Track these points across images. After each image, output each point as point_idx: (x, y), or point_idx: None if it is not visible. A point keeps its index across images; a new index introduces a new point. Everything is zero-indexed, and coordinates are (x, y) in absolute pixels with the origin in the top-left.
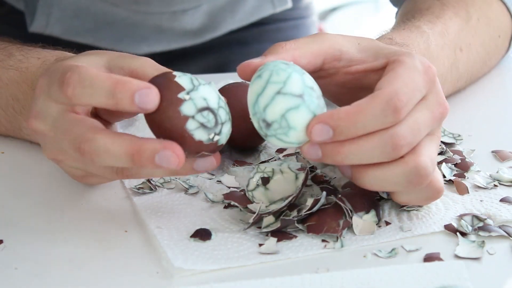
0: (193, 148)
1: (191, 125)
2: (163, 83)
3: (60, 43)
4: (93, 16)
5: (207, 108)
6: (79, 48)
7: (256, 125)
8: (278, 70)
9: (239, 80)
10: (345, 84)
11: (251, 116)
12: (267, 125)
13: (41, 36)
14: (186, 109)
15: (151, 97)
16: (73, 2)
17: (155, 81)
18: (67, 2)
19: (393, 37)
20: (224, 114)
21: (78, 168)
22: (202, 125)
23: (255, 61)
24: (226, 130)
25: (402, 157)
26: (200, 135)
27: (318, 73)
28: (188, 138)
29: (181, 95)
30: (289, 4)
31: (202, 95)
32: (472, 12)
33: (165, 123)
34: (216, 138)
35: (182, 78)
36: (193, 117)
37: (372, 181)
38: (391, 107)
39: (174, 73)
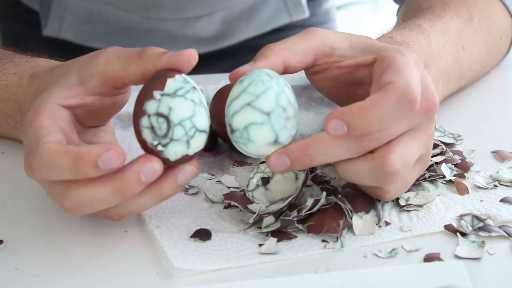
0: (140, 142)
1: (144, 122)
2: (156, 77)
3: (73, 47)
4: (105, 21)
5: (165, 117)
6: (92, 51)
7: (226, 125)
8: (257, 82)
9: None
10: (338, 78)
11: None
12: (231, 130)
13: (58, 39)
14: (149, 106)
15: (114, 159)
16: (86, 7)
17: (155, 74)
18: (79, 8)
19: (393, 36)
20: (181, 134)
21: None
22: (152, 128)
23: (245, 67)
24: (177, 149)
25: (372, 152)
26: (146, 135)
27: (311, 69)
28: (138, 131)
29: (156, 92)
30: (306, 14)
31: (170, 105)
32: (474, 13)
33: (134, 108)
34: (160, 148)
35: (174, 81)
36: (149, 116)
37: (343, 173)
38: (406, 99)
39: (177, 76)
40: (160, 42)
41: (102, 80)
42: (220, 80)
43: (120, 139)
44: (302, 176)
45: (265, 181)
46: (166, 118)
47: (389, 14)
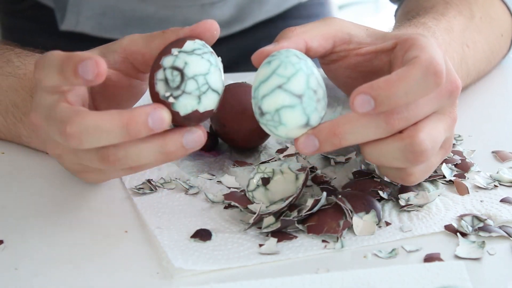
0: (153, 96)
1: (158, 75)
2: (176, 40)
3: (87, 39)
4: (121, 12)
5: (179, 70)
6: (102, 42)
7: (253, 107)
8: (287, 63)
9: (241, 80)
10: (356, 67)
11: (251, 98)
12: (261, 113)
13: (69, 32)
14: (166, 60)
15: (91, 67)
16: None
17: (176, 39)
18: (96, 0)
19: (400, 32)
20: (193, 88)
21: (75, 163)
22: (166, 80)
23: (268, 48)
24: (187, 103)
25: (401, 132)
26: (159, 88)
27: (329, 57)
28: (152, 85)
29: (174, 49)
30: None
31: (186, 60)
32: (475, 11)
33: (152, 66)
34: (171, 100)
35: (193, 43)
36: (164, 69)
37: (371, 155)
38: (432, 71)
39: (198, 40)
40: None
41: (124, 56)
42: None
43: None
44: (302, 177)
45: (265, 181)
46: (181, 71)
47: (389, 14)
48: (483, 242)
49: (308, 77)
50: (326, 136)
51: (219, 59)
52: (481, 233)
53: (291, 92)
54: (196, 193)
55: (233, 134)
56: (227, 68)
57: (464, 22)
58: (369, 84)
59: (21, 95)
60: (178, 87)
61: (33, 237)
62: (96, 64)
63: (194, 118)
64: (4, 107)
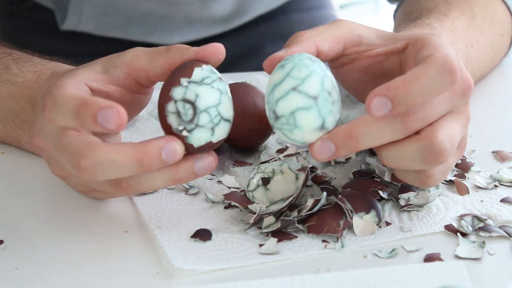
0: (165, 127)
1: (170, 107)
2: (183, 66)
3: (91, 38)
4: (123, 11)
5: (191, 103)
6: (110, 42)
7: (267, 113)
8: (301, 66)
9: (241, 80)
10: (367, 69)
11: (265, 103)
12: (275, 117)
13: (68, 32)
14: (176, 92)
15: (112, 117)
16: None
17: (182, 64)
18: None
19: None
20: (206, 121)
21: (82, 184)
22: (178, 114)
23: (280, 53)
24: (201, 136)
25: (418, 133)
26: (172, 121)
27: (340, 60)
28: (164, 117)
29: (183, 79)
30: None
31: (197, 91)
32: (477, 11)
33: (160, 95)
34: (185, 133)
35: (201, 71)
36: (175, 101)
37: (389, 158)
38: (447, 68)
39: (204, 66)
40: (176, 27)
41: (127, 72)
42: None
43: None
44: (302, 176)
45: (266, 181)
46: (193, 104)
47: (389, 14)
48: (483, 242)
49: (322, 79)
50: (342, 140)
51: (227, 84)
52: (481, 233)
53: (306, 94)
54: (196, 193)
55: (233, 134)
56: (230, 65)
57: (466, 22)
58: (385, 85)
59: (20, 103)
60: (191, 121)
61: (33, 237)
62: (118, 114)
63: (207, 148)
64: (3, 114)
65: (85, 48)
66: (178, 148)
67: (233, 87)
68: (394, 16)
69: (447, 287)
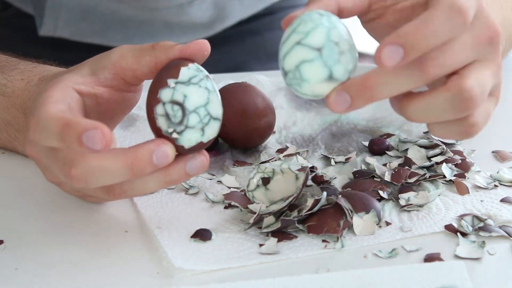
0: (154, 130)
1: (158, 109)
2: (169, 66)
3: (70, 45)
4: (100, 16)
5: (180, 105)
6: (86, 47)
7: (280, 71)
8: (307, 20)
9: (241, 80)
10: (395, 24)
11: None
12: (284, 73)
13: (48, 38)
14: (164, 94)
15: (98, 139)
16: (80, 3)
17: (168, 63)
18: (74, 4)
19: None
20: (196, 121)
21: (76, 191)
22: (167, 116)
23: (297, 12)
24: (191, 137)
25: (445, 84)
26: (161, 123)
27: (367, 15)
28: (153, 119)
29: (170, 80)
30: None
31: (185, 92)
32: None
33: (148, 96)
34: (175, 135)
35: (188, 70)
36: (163, 103)
37: (417, 113)
38: (456, 10)
39: (190, 64)
40: (156, 32)
41: (114, 72)
42: (221, 79)
43: (120, 139)
44: (302, 176)
45: (266, 181)
46: (181, 105)
47: None
48: (483, 242)
49: (328, 31)
50: (357, 91)
51: (214, 82)
52: (481, 233)
53: (309, 46)
54: (196, 193)
55: (233, 134)
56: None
57: None
58: (395, 33)
59: (12, 113)
60: (180, 122)
61: (33, 237)
62: (103, 135)
63: (198, 148)
64: None
65: (65, 56)
66: (169, 151)
67: (233, 87)
68: None
69: (447, 287)
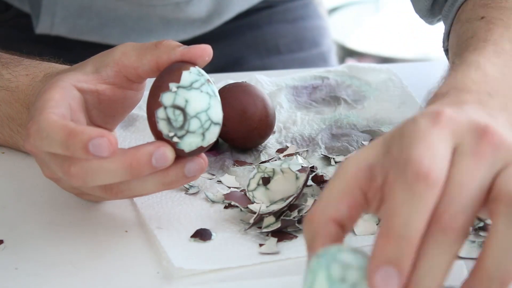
0: (155, 133)
1: (159, 113)
2: (171, 69)
3: (67, 43)
4: (97, 13)
5: (181, 110)
6: (86, 46)
7: None
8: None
9: (241, 80)
10: None
11: None
12: None
13: (49, 37)
14: (166, 98)
15: (104, 146)
16: (76, 0)
17: (169, 66)
18: (70, 1)
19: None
20: (197, 126)
21: (74, 188)
22: (168, 120)
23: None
24: (192, 141)
25: None
26: (162, 127)
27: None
28: (154, 123)
29: (172, 84)
30: None
31: (186, 97)
32: None
33: (149, 99)
34: (175, 139)
35: (189, 74)
36: (165, 107)
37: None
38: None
39: (192, 68)
40: (153, 28)
41: (117, 70)
42: (221, 79)
43: (120, 138)
44: (302, 176)
45: (266, 181)
46: (183, 110)
47: (389, 14)
48: (483, 242)
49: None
50: None
51: (215, 85)
52: (481, 233)
53: None
54: (196, 193)
55: (233, 134)
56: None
57: None
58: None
59: (16, 107)
60: (181, 127)
61: (33, 237)
62: (110, 142)
63: (198, 152)
64: None
65: (63, 54)
66: (168, 153)
67: (233, 87)
68: (445, 19)
69: (447, 287)
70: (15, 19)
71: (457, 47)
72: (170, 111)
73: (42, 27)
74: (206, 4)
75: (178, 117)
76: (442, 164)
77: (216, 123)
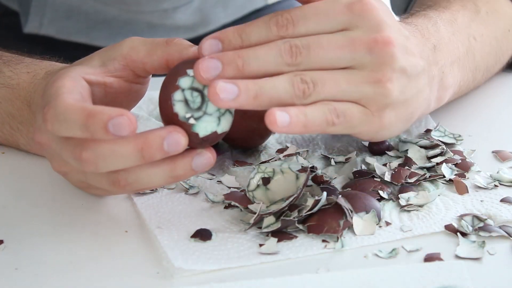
0: (169, 118)
1: (177, 96)
2: (186, 61)
3: (55, 43)
4: (85, 15)
5: (199, 92)
6: (74, 47)
7: None
8: None
9: None
10: None
11: None
12: None
13: (37, 37)
14: (183, 81)
15: (125, 125)
16: (65, 2)
17: (180, 62)
18: (59, 2)
19: (401, 20)
20: (214, 109)
21: (82, 181)
22: (186, 101)
23: None
24: (207, 125)
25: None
26: (179, 109)
27: None
28: (169, 106)
29: (189, 71)
30: None
31: None
32: (480, 5)
33: (163, 86)
34: (192, 121)
35: None
36: (183, 90)
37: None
38: (273, 21)
39: None
40: (140, 32)
41: (124, 64)
42: None
43: None
44: (302, 176)
45: (266, 181)
46: (201, 92)
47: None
48: (483, 242)
49: None
50: (228, 58)
51: None
52: (481, 233)
53: None
54: (196, 193)
55: (233, 134)
56: None
57: (469, 15)
58: (218, 32)
59: (16, 105)
60: (199, 108)
61: (33, 237)
62: (130, 121)
63: (211, 140)
64: (0, 118)
65: (50, 54)
66: (180, 138)
67: None
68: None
69: (447, 287)
70: (2, 18)
71: (417, 8)
72: (188, 93)
73: (31, 26)
74: (192, 13)
75: (196, 99)
76: None
77: (230, 112)
